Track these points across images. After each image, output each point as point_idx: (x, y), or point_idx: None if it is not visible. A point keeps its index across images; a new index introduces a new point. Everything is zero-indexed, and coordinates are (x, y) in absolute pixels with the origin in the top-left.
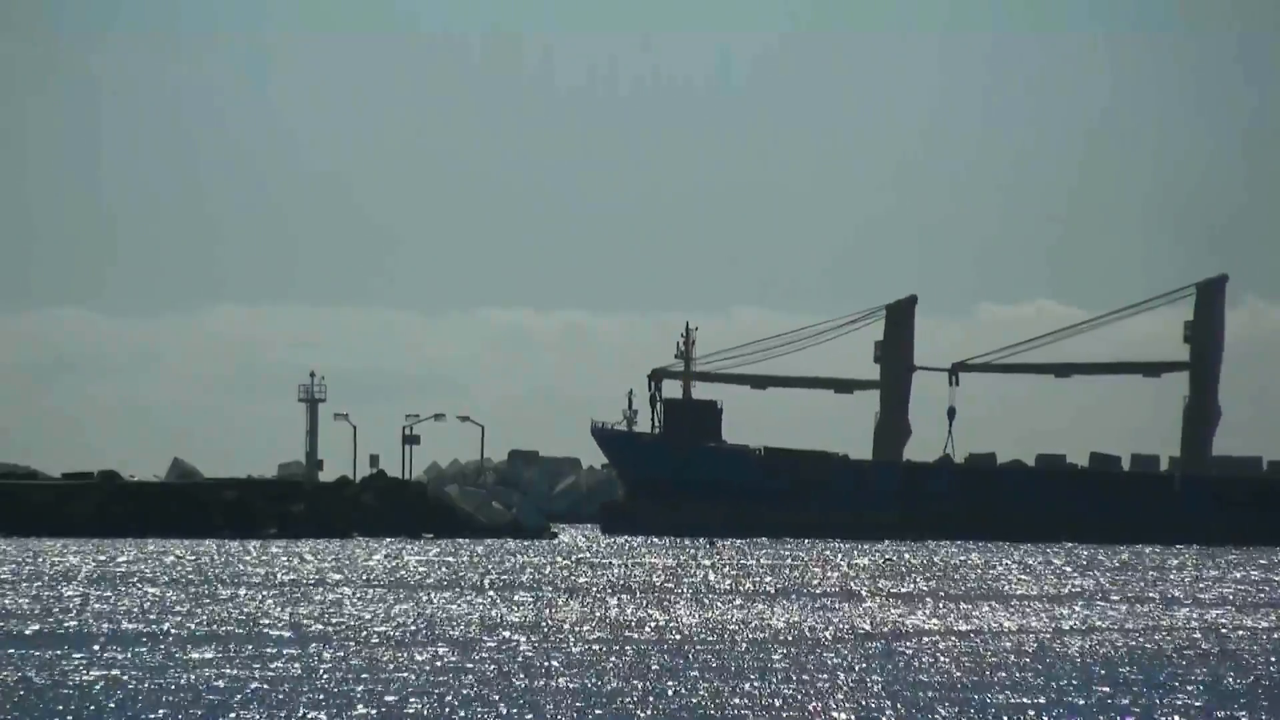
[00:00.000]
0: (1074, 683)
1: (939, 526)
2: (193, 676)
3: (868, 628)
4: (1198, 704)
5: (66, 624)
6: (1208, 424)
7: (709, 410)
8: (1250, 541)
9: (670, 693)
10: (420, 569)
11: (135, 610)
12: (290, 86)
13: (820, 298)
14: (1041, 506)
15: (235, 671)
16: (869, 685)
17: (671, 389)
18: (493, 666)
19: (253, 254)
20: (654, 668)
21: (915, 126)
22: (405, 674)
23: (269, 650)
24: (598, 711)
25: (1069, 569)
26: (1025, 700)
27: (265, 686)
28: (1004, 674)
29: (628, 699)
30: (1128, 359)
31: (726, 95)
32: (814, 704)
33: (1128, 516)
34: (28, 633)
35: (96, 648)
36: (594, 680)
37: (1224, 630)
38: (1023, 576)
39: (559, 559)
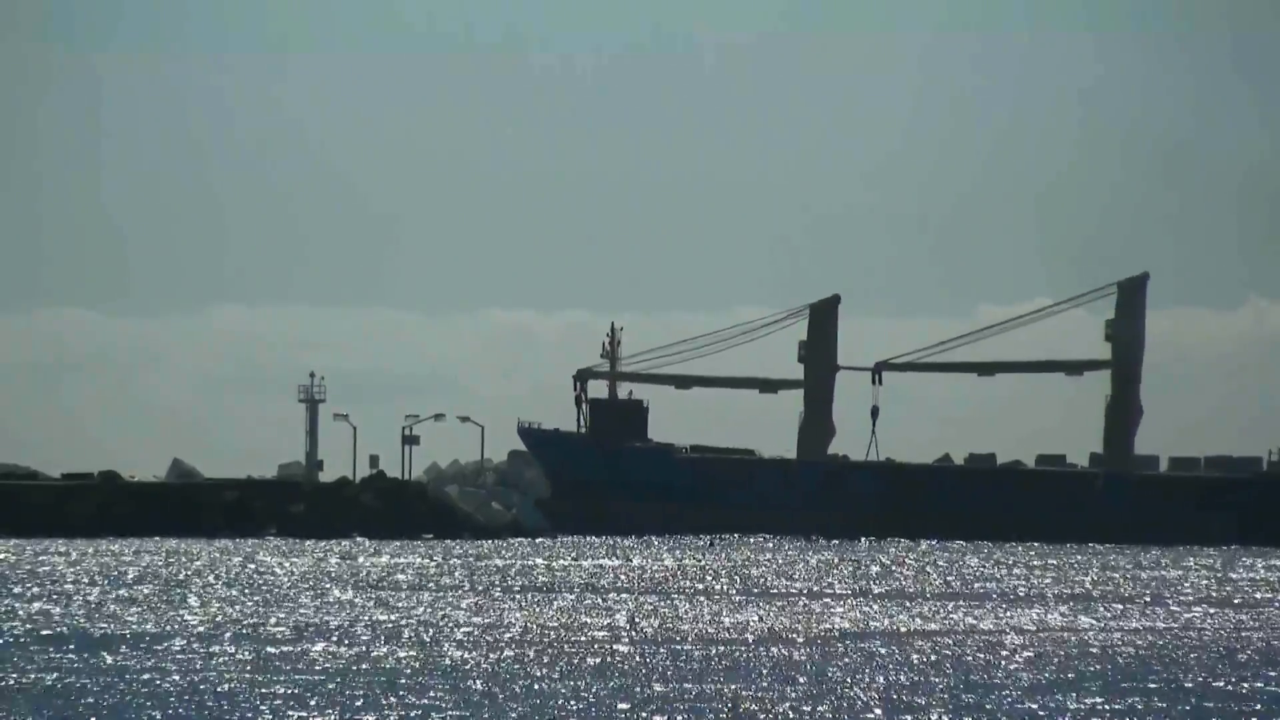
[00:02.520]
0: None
1: (863, 525)
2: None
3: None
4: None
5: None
6: (1129, 422)
7: (635, 410)
8: (1173, 540)
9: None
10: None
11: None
12: (292, 88)
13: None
14: (966, 505)
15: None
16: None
17: (598, 389)
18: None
19: (253, 255)
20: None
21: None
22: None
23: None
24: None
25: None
26: None
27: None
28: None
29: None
30: (1051, 357)
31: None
32: None
33: (1050, 515)
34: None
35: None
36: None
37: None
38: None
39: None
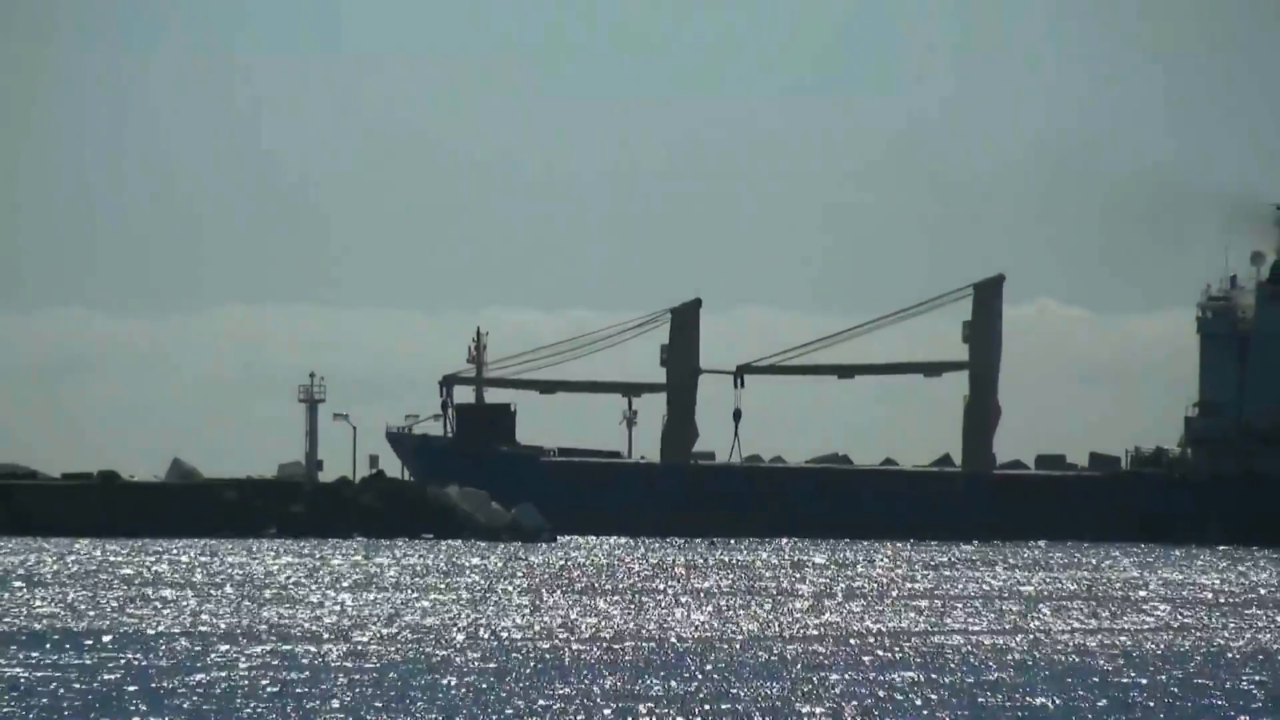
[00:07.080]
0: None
1: (726, 526)
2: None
3: None
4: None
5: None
6: (987, 423)
7: (502, 413)
8: (1035, 537)
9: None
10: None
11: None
12: (293, 89)
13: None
14: (829, 506)
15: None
16: None
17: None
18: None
19: (253, 255)
20: None
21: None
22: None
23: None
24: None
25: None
26: None
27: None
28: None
29: None
30: (911, 359)
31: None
32: None
33: (914, 515)
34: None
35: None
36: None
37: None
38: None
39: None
